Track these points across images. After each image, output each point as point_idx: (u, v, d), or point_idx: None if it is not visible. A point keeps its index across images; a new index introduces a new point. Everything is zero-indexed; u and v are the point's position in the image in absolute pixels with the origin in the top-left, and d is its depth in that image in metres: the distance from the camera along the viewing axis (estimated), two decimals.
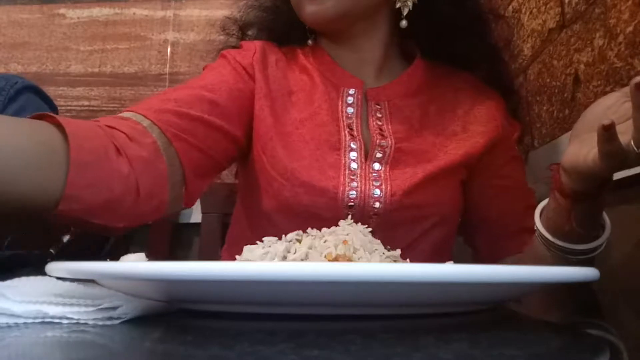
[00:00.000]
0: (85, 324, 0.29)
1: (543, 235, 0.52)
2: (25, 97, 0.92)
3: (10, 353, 0.23)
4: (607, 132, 0.37)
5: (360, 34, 0.66)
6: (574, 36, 0.74)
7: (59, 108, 1.34)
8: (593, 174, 0.43)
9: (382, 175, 0.60)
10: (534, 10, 0.88)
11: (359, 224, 0.42)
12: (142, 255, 0.37)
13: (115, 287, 0.32)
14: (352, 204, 0.59)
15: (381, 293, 0.28)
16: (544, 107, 0.85)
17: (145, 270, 0.27)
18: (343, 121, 0.63)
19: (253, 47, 0.67)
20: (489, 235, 0.67)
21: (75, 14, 1.41)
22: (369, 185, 0.59)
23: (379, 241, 0.41)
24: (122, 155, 0.48)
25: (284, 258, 0.38)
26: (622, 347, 0.27)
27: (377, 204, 0.59)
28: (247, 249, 0.41)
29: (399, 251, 0.40)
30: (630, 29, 0.60)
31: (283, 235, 0.41)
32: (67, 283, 0.32)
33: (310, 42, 0.69)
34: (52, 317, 0.29)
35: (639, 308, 0.43)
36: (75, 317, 0.29)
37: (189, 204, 0.58)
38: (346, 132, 0.62)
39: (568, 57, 0.76)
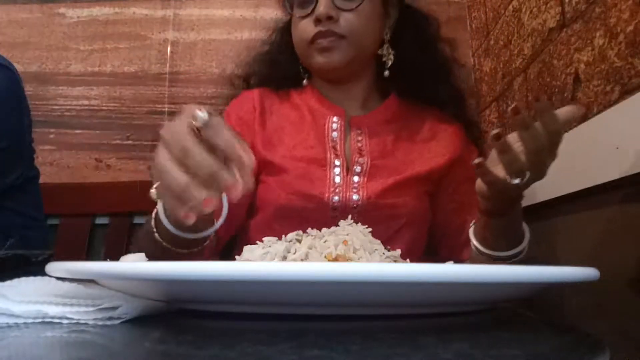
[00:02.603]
0: (85, 324, 0.29)
1: (473, 244, 0.62)
2: None
3: (10, 353, 0.23)
4: (479, 169, 0.50)
5: (352, 78, 0.79)
6: (574, 35, 0.74)
7: (58, 108, 1.34)
8: (486, 198, 0.54)
9: (360, 184, 0.73)
10: (534, 9, 0.88)
11: (359, 224, 0.42)
12: (142, 255, 0.37)
13: (115, 287, 0.32)
14: (336, 206, 0.71)
15: (381, 293, 0.28)
16: None
17: (145, 270, 0.27)
18: (328, 143, 0.75)
19: (251, 99, 0.79)
20: (449, 243, 0.78)
21: (75, 13, 1.40)
22: (350, 192, 0.72)
23: (379, 241, 0.41)
24: None
25: (284, 258, 0.38)
26: (532, 315, 0.27)
27: (355, 205, 0.72)
28: (247, 249, 0.41)
29: (399, 251, 0.40)
30: (630, 28, 0.60)
31: (283, 236, 0.41)
32: (67, 283, 0.32)
33: (305, 82, 0.81)
34: (52, 317, 0.29)
35: (638, 308, 0.43)
36: (75, 317, 0.29)
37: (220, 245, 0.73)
38: (331, 152, 0.74)
39: (568, 57, 0.76)
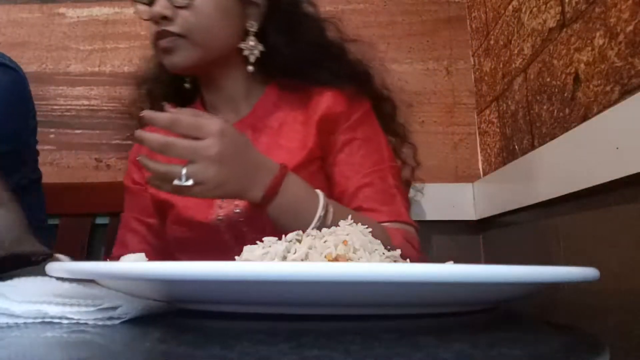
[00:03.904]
0: (85, 324, 0.29)
1: None
2: None
3: (10, 353, 0.22)
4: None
5: (219, 76, 0.76)
6: (574, 35, 0.74)
7: (58, 108, 1.34)
8: None
9: None
10: (534, 9, 0.88)
11: (359, 224, 0.42)
12: (142, 255, 0.37)
13: (115, 287, 0.32)
14: (220, 225, 0.71)
15: (381, 293, 0.28)
16: (544, 107, 0.85)
17: (145, 270, 0.27)
18: None
19: None
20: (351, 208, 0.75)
21: (75, 13, 1.40)
22: (232, 207, 0.71)
23: (379, 241, 0.41)
24: None
25: (284, 258, 0.38)
26: None
27: (239, 219, 0.71)
28: (247, 248, 0.41)
29: (399, 251, 0.40)
30: (630, 28, 0.60)
31: (283, 236, 0.41)
32: (67, 283, 0.32)
33: (187, 85, 0.80)
34: (52, 317, 0.29)
35: (638, 308, 0.43)
36: (75, 317, 0.29)
37: None
38: None
39: (568, 57, 0.76)
